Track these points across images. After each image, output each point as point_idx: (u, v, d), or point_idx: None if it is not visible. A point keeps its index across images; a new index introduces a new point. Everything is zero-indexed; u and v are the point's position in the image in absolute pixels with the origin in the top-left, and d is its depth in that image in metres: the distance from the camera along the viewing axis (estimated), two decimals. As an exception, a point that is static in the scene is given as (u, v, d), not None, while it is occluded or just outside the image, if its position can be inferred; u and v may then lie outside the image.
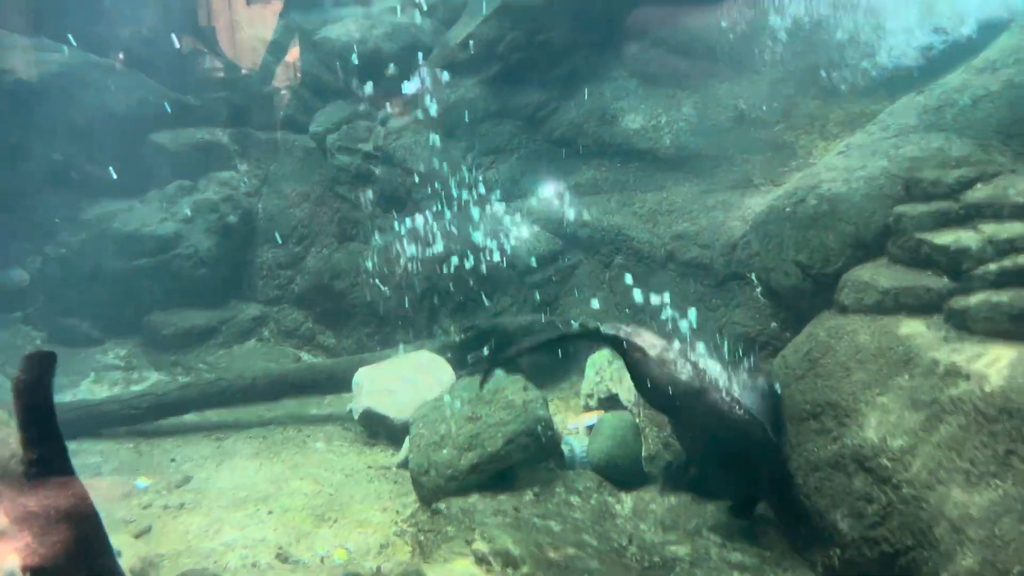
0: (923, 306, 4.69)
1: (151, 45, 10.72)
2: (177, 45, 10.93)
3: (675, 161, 7.82)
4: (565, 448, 5.87)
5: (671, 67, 8.21)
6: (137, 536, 4.70)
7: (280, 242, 9.14)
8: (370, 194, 8.82)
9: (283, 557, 4.56)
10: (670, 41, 8.23)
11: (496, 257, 8.09)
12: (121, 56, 10.58)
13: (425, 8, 9.81)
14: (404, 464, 5.82)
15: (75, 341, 8.61)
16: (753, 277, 6.39)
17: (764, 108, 7.69)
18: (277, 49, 10.45)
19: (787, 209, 6.03)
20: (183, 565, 4.37)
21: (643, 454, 5.50)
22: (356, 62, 9.40)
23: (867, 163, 5.80)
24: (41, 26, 9.95)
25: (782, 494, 4.85)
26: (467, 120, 8.64)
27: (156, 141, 9.67)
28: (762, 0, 7.96)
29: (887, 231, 5.32)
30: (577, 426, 6.28)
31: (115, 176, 9.00)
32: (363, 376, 6.66)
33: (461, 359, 7.21)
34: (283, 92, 10.30)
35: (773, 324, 6.22)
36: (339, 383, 6.97)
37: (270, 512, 5.11)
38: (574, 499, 5.23)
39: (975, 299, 4.34)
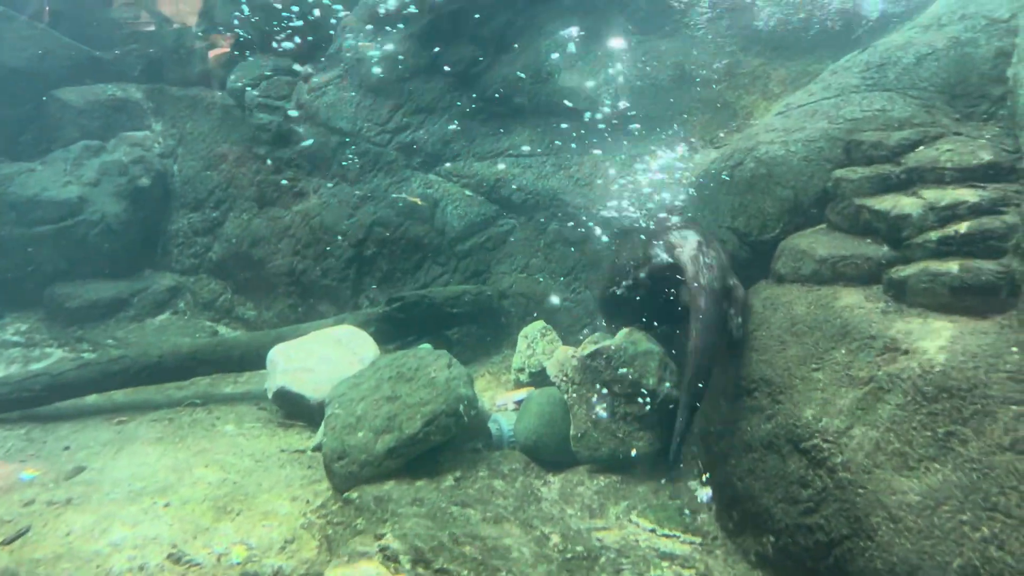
0: (862, 276, 4.45)
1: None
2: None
3: (613, 122, 7.44)
4: (493, 427, 5.56)
5: (611, 22, 7.80)
6: (9, 541, 4.24)
7: (195, 207, 8.59)
8: (291, 155, 8.29)
9: (175, 557, 4.16)
10: (608, -5, 7.82)
11: (425, 223, 7.70)
12: (48, 8, 9.82)
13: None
14: (319, 447, 5.44)
15: (-31, 315, 7.99)
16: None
17: (706, 66, 7.35)
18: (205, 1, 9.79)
19: (724, 173, 5.74)
20: (60, 572, 3.94)
21: (572, 433, 5.19)
22: (278, 12, 8.83)
23: (806, 124, 5.53)
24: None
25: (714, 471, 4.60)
26: (395, 76, 8.14)
27: (60, 98, 8.97)
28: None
29: (826, 196, 5.07)
30: (505, 403, 5.97)
31: (10, 135, 8.33)
32: (278, 353, 6.22)
33: (386, 333, 6.82)
34: (202, 46, 9.63)
35: (709, 293, 5.92)
36: (254, 360, 6.53)
37: (167, 505, 4.68)
38: (498, 483, 4.92)
39: (914, 269, 4.10)
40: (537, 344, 6.35)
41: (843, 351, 4.08)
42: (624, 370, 5.17)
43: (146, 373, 6.36)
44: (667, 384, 5.17)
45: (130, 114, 9.18)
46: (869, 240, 4.54)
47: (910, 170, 4.60)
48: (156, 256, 8.58)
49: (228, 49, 9.39)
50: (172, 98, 9.29)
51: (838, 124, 5.35)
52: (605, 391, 5.21)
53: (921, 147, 4.76)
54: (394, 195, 7.66)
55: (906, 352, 3.77)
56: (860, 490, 3.57)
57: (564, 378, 5.41)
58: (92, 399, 6.43)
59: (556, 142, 7.68)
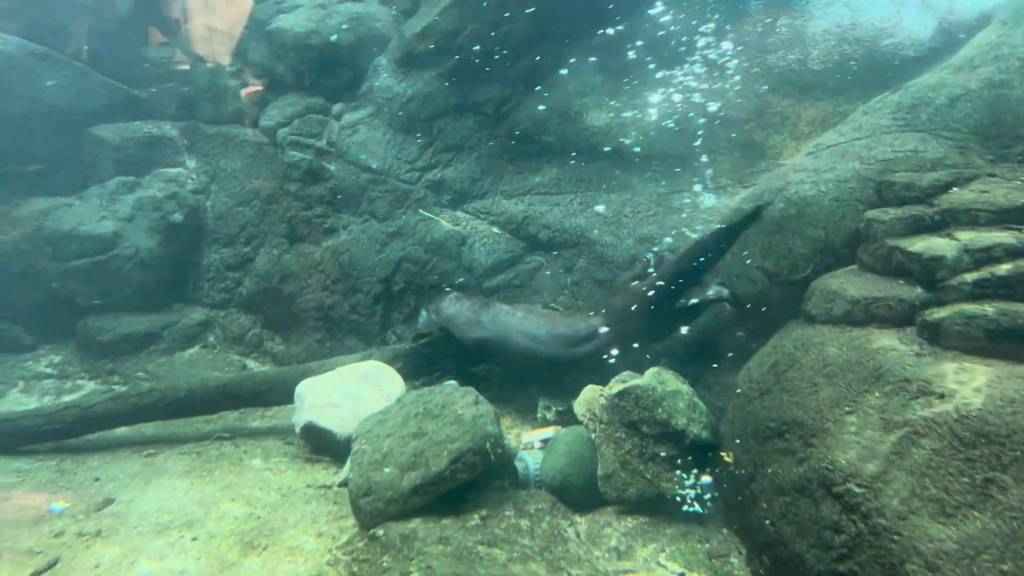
0: (895, 318, 4.40)
1: (106, 36, 10.20)
2: (145, 39, 10.50)
3: (641, 160, 7.48)
4: (519, 465, 5.52)
5: (638, 62, 7.86)
6: (40, 572, 4.26)
7: (227, 242, 8.70)
8: (322, 192, 8.40)
9: (201, 592, 4.16)
10: (638, 35, 7.87)
11: (452, 260, 7.73)
12: (86, 47, 10.08)
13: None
14: (346, 483, 5.42)
15: (5, 346, 8.09)
16: (718, 284, 6.07)
17: (735, 106, 7.37)
18: (240, 41, 9.98)
19: (753, 212, 5.72)
20: (87, 604, 3.96)
21: (599, 473, 5.15)
22: (309, 53, 9.00)
23: (837, 165, 5.51)
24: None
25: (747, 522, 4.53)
26: (425, 115, 8.25)
27: (97, 135, 9.17)
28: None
29: (858, 237, 5.04)
30: (532, 441, 5.93)
31: (48, 171, 8.51)
32: (306, 388, 6.25)
33: (413, 369, 6.83)
34: (236, 84, 9.82)
35: (739, 333, 5.90)
36: (282, 394, 6.56)
37: (194, 539, 4.69)
38: (524, 523, 4.87)
39: (949, 312, 4.05)
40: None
41: (877, 394, 4.03)
42: (652, 410, 5.13)
43: (175, 407, 6.41)
44: (697, 425, 5.13)
45: (164, 151, 9.36)
46: (902, 282, 4.50)
47: (944, 211, 4.57)
48: (187, 290, 8.69)
49: (261, 88, 9.56)
50: (205, 135, 9.46)
51: (870, 165, 5.34)
52: (633, 431, 5.17)
53: (955, 188, 4.73)
54: (420, 211, 7.74)
55: (942, 396, 3.72)
56: (895, 537, 3.50)
57: (592, 417, 5.38)
58: (122, 431, 6.48)
59: (583, 180, 7.71)
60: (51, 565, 4.36)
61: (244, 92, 9.71)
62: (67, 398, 7.24)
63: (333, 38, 8.85)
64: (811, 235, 5.31)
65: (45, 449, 6.25)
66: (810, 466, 4.12)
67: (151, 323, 8.16)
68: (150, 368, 7.79)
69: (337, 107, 8.96)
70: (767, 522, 4.31)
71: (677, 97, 7.67)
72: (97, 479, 5.66)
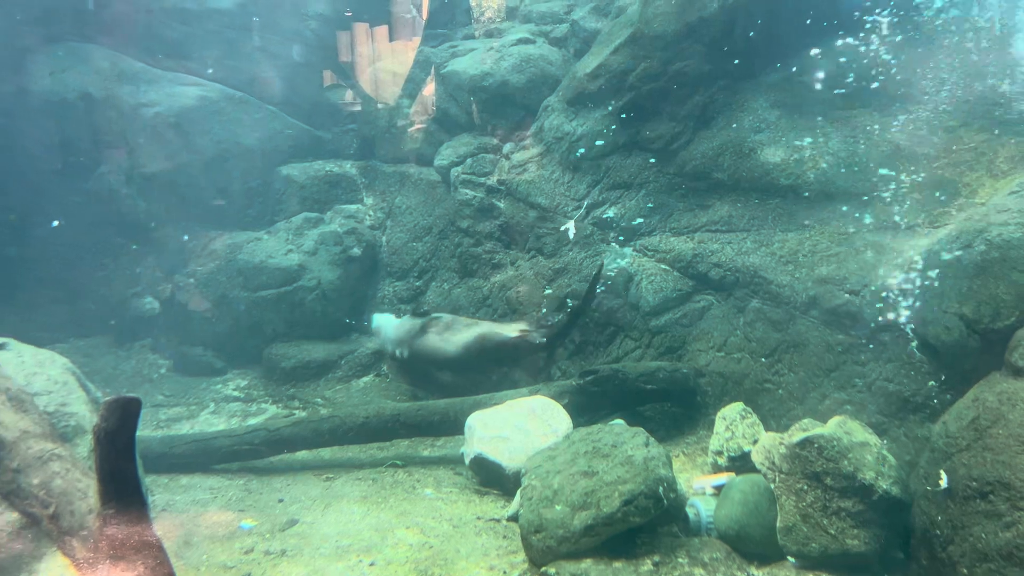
0: (1121, 373, 3.98)
1: (291, 80, 10.98)
2: (322, 82, 11.23)
3: (820, 198, 7.19)
4: (690, 511, 5.37)
5: (816, 98, 7.61)
6: (234, 586, 4.54)
7: (401, 276, 9.07)
8: (491, 228, 8.61)
9: (381, 617, 4.29)
10: (816, 70, 7.64)
11: (619, 297, 7.71)
12: (276, 92, 10.88)
13: (555, 38, 9.67)
14: (515, 517, 5.47)
15: (198, 370, 8.76)
16: (909, 330, 5.73)
17: (922, 142, 6.98)
18: (410, 83, 10.49)
19: (949, 255, 5.37)
20: (278, 620, 4.16)
21: (778, 525, 4.92)
22: (483, 95, 9.31)
23: (1048, 205, 5.09)
24: (185, 62, 10.38)
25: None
26: (594, 153, 8.32)
27: (286, 173, 9.84)
28: (922, 24, 7.29)
29: (1072, 283, 4.61)
30: (703, 486, 5.76)
31: (241, 206, 9.22)
32: (476, 420, 6.37)
33: (579, 406, 6.83)
34: (411, 125, 10.29)
35: (931, 384, 5.52)
36: (452, 425, 6.72)
37: (372, 564, 4.85)
38: (698, 571, 4.72)
39: None
40: (737, 427, 6.12)
41: (1101, 457, 3.65)
42: (838, 462, 4.87)
43: (353, 433, 6.69)
44: (886, 480, 4.82)
45: (345, 188, 9.91)
46: None
47: None
48: (363, 321, 9.09)
49: (435, 128, 9.95)
50: (383, 174, 9.95)
51: (1086, 205, 4.90)
52: (816, 482, 4.92)
53: None
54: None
55: None
56: None
57: (771, 466, 5.16)
58: (303, 454, 6.83)
59: (756, 218, 7.50)
60: (243, 580, 4.63)
61: (419, 132, 10.15)
62: (252, 420, 7.72)
63: (504, 80, 9.13)
64: (1017, 280, 4.91)
65: (233, 469, 6.67)
66: (1019, 531, 3.78)
67: (329, 351, 8.59)
68: (328, 394, 8.19)
69: (508, 146, 9.20)
70: (970, 591, 3.98)
71: (858, 132, 7.35)
72: (281, 500, 5.97)
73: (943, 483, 4.46)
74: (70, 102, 9.57)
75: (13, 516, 3.52)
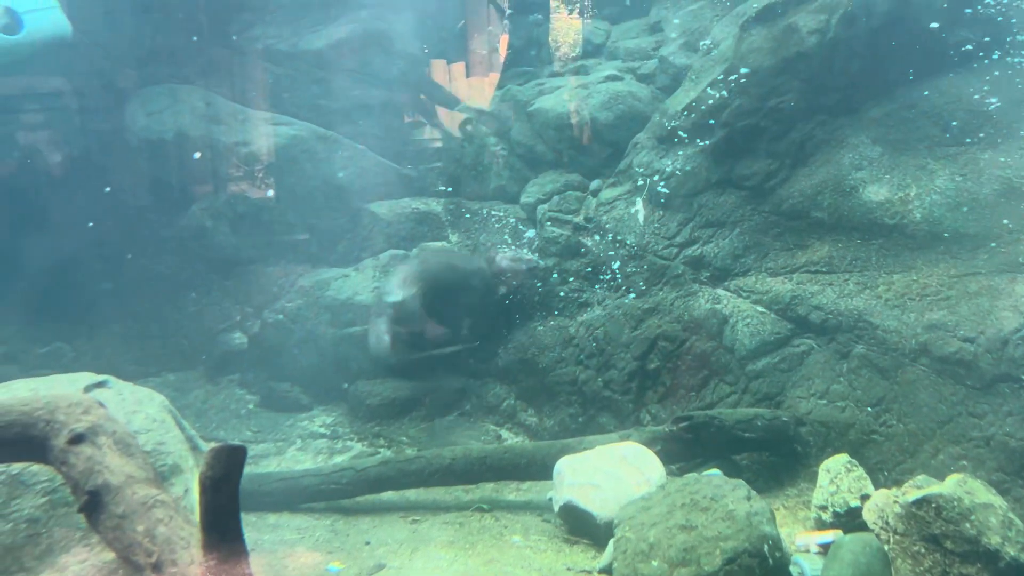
0: None
1: (379, 118, 11.13)
2: (409, 120, 11.39)
3: (927, 239, 6.82)
4: (794, 570, 5.06)
5: (922, 133, 7.27)
6: (322, 634, 4.44)
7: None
8: (578, 267, 8.46)
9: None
10: (921, 104, 7.30)
11: (713, 339, 7.44)
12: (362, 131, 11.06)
13: (643, 74, 9.56)
14: (607, 570, 5.24)
15: (285, 406, 8.78)
16: None
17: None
18: (496, 120, 10.49)
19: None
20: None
21: (894, 590, 4.59)
22: (570, 132, 9.24)
23: None
24: (277, 102, 10.63)
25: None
26: (685, 191, 8.12)
27: (373, 211, 9.91)
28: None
29: None
30: (807, 544, 5.43)
31: (329, 243, 9.32)
32: (565, 465, 6.18)
33: (671, 453, 6.57)
34: (497, 162, 10.27)
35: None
36: (539, 469, 6.54)
37: (461, 614, 4.70)
38: (807, 638, 4.41)
39: None
40: (842, 480, 5.77)
41: None
42: (959, 524, 4.51)
43: (439, 475, 6.56)
44: (1015, 546, 4.43)
45: (431, 226, 9.90)
46: None
47: None
48: (447, 359, 8.99)
49: (521, 165, 9.90)
50: (468, 211, 9.91)
51: None
52: (935, 545, 4.57)
53: None
54: None
55: None
56: None
57: (884, 525, 4.83)
58: (388, 495, 6.72)
59: (859, 259, 7.16)
60: (332, 627, 4.52)
61: (504, 169, 10.11)
62: (338, 458, 7.67)
63: (592, 117, 9.05)
64: None
65: (319, 508, 6.61)
66: None
67: (414, 389, 8.50)
68: (412, 433, 8.10)
69: (595, 183, 9.07)
70: None
71: (968, 169, 6.98)
72: (368, 543, 5.87)
73: None
74: (167, 141, 9.88)
75: (110, 556, 3.52)
